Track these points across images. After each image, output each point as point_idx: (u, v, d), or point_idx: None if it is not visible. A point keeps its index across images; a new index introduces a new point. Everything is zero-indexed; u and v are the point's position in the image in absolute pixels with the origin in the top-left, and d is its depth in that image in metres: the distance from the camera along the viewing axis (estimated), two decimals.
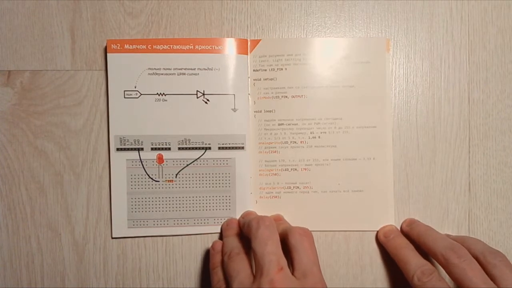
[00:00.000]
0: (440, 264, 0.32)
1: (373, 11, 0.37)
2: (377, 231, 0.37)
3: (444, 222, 0.37)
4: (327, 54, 0.37)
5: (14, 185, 0.36)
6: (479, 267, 0.31)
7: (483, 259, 0.31)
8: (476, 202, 0.38)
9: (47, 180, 0.36)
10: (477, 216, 0.38)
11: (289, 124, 0.37)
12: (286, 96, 0.37)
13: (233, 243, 0.33)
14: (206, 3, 0.37)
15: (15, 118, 0.36)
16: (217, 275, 0.32)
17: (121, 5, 0.37)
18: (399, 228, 0.37)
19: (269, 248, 0.29)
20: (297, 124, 0.37)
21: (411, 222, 0.37)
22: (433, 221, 0.37)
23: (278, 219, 0.36)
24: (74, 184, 0.37)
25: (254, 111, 0.37)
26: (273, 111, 0.37)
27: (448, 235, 0.37)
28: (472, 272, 0.30)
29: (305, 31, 0.38)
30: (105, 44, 0.37)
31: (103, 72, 0.37)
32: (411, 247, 0.35)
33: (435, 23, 0.38)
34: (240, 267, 0.30)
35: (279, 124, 0.37)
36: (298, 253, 0.30)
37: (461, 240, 0.34)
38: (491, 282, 0.30)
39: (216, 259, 0.33)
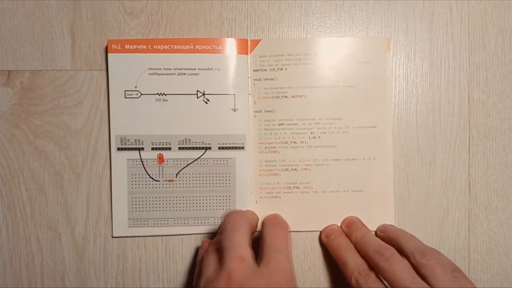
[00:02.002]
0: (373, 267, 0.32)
1: (373, 11, 0.37)
2: (320, 232, 0.37)
3: (444, 222, 0.37)
4: (327, 54, 0.37)
5: (14, 185, 0.36)
6: (408, 266, 0.30)
7: (413, 260, 0.31)
8: (476, 202, 0.38)
9: (47, 180, 0.36)
10: (477, 216, 0.38)
11: (289, 124, 0.37)
12: (286, 96, 0.37)
13: (216, 239, 0.33)
14: (206, 3, 0.37)
15: (15, 118, 0.36)
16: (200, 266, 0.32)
17: (121, 5, 0.37)
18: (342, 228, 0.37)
19: (234, 239, 0.30)
20: (297, 124, 0.37)
21: (350, 223, 0.36)
22: (433, 221, 0.37)
23: (275, 218, 0.36)
24: (74, 184, 0.37)
25: (254, 111, 0.37)
26: (273, 111, 0.37)
27: (385, 226, 0.36)
28: (400, 273, 0.30)
29: (305, 31, 0.38)
30: (105, 44, 0.37)
31: (103, 72, 0.37)
32: (350, 247, 0.34)
33: (435, 23, 0.38)
34: (209, 263, 0.30)
35: (279, 124, 0.37)
36: (265, 240, 0.31)
37: (394, 236, 0.34)
38: (421, 281, 0.29)
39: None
